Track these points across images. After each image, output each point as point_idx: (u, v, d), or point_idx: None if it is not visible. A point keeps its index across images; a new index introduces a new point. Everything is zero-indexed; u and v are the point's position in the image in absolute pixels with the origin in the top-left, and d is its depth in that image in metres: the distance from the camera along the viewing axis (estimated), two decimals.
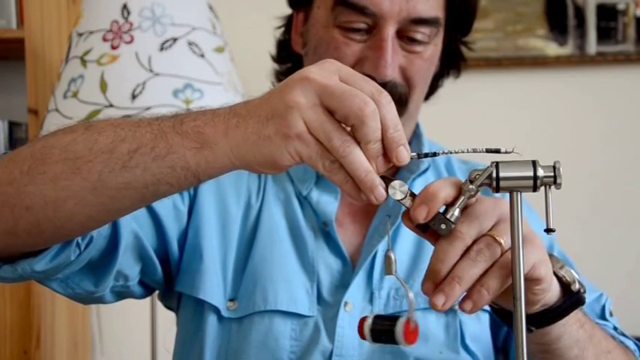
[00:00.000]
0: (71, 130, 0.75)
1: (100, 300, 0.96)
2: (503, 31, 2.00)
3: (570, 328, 0.80)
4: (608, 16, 1.98)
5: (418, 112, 1.08)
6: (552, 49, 2.00)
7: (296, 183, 1.05)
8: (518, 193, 0.69)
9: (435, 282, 0.70)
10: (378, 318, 0.71)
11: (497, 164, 0.69)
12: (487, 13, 1.98)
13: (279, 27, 1.14)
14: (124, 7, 1.52)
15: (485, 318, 1.02)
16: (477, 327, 1.01)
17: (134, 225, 0.93)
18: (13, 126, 1.92)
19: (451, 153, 0.73)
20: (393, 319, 0.71)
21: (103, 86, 1.49)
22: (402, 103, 0.99)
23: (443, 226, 0.70)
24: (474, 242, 0.70)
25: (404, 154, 0.67)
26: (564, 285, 0.78)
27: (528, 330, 0.78)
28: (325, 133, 0.66)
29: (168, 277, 1.02)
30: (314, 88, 0.66)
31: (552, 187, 0.70)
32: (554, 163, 0.70)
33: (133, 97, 1.48)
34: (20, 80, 1.87)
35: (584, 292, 0.79)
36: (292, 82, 0.67)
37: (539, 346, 0.81)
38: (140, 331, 1.95)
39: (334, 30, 0.99)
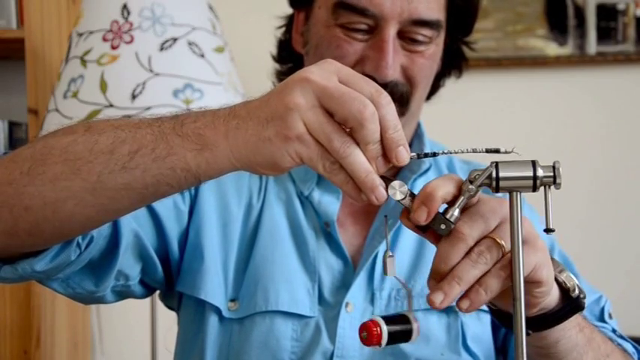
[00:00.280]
0: (71, 130, 0.75)
1: (101, 300, 0.96)
2: (503, 31, 2.00)
3: (569, 333, 0.80)
4: (608, 16, 1.98)
5: (420, 112, 1.07)
6: (552, 49, 2.00)
7: (297, 183, 1.05)
8: (518, 193, 0.69)
9: (437, 281, 0.70)
10: (386, 320, 0.72)
11: (496, 164, 0.69)
12: (487, 13, 1.98)
13: (280, 27, 1.14)
14: (124, 7, 1.52)
15: (486, 319, 1.02)
16: (479, 328, 1.01)
17: (134, 224, 0.93)
18: (13, 126, 1.92)
19: (451, 153, 0.73)
20: (401, 318, 0.71)
21: (103, 86, 1.49)
22: (403, 102, 0.99)
23: (443, 227, 0.70)
24: (476, 243, 0.70)
25: (403, 155, 0.67)
26: (564, 290, 0.77)
27: (526, 333, 0.78)
28: (325, 135, 0.66)
29: (169, 277, 1.02)
30: (313, 90, 0.66)
31: (552, 187, 0.70)
32: (554, 163, 0.70)
33: (133, 97, 1.48)
34: (20, 80, 1.88)
35: (584, 297, 0.79)
36: (292, 83, 0.67)
37: (537, 349, 0.81)
38: (140, 330, 1.95)
39: (335, 29, 0.99)
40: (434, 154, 0.73)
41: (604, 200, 2.00)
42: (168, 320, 1.12)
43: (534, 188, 0.69)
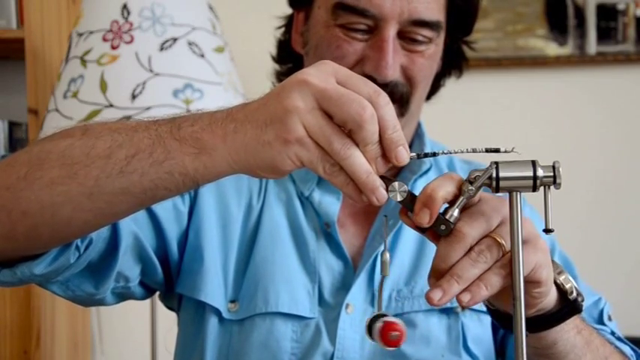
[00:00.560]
0: (68, 134, 0.74)
1: (101, 302, 0.95)
2: (503, 31, 2.00)
3: (567, 334, 0.80)
4: (608, 16, 1.98)
5: (420, 112, 1.07)
6: (552, 49, 2.00)
7: (298, 183, 1.04)
8: (518, 193, 0.69)
9: (437, 279, 0.70)
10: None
11: (497, 164, 0.69)
12: (487, 13, 1.98)
13: (280, 27, 1.14)
14: (124, 7, 1.52)
15: (487, 320, 1.02)
16: (479, 329, 1.01)
17: (134, 226, 0.93)
18: (13, 126, 1.92)
19: (451, 153, 0.73)
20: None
21: (103, 86, 1.49)
22: (403, 102, 0.99)
23: (442, 227, 0.70)
24: (477, 242, 0.70)
25: (403, 155, 0.67)
26: (562, 292, 0.77)
27: None
28: (325, 137, 0.66)
29: (169, 278, 1.02)
30: (312, 92, 0.66)
31: (552, 187, 0.70)
32: (554, 163, 0.70)
33: (133, 97, 1.48)
34: (20, 80, 1.88)
35: (582, 300, 0.79)
36: (289, 86, 0.67)
37: (534, 349, 0.81)
38: (140, 331, 1.95)
39: (335, 29, 0.98)
40: (434, 154, 0.73)
41: (604, 200, 2.00)
42: (168, 321, 1.12)
43: (534, 188, 0.69)
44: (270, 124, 0.66)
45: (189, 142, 0.69)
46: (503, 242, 0.70)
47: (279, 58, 1.15)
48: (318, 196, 1.03)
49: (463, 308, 1.00)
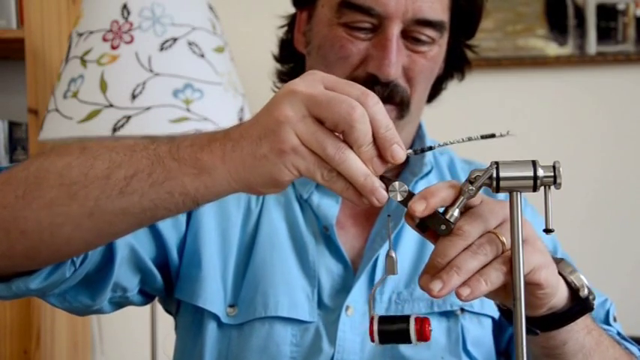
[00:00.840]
0: (66, 152, 0.74)
1: (99, 312, 0.96)
2: (503, 31, 2.00)
3: (577, 334, 0.80)
4: (608, 16, 1.98)
5: (420, 114, 1.07)
6: (552, 49, 2.00)
7: (297, 186, 1.04)
8: (518, 194, 0.69)
9: (432, 275, 0.70)
10: (384, 319, 0.72)
11: (497, 165, 0.69)
12: (487, 13, 1.96)
13: (282, 26, 1.14)
14: (124, 7, 1.52)
15: (487, 323, 1.02)
16: (479, 332, 1.01)
17: (130, 237, 0.92)
18: (13, 126, 1.92)
19: (447, 144, 0.72)
20: (402, 318, 0.72)
21: (103, 86, 1.49)
22: (403, 105, 0.99)
23: (442, 227, 0.70)
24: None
25: (399, 152, 0.67)
26: (573, 290, 0.78)
27: (534, 333, 0.78)
28: (318, 143, 0.66)
29: (169, 284, 1.01)
30: (301, 100, 0.66)
31: (552, 187, 0.70)
32: (554, 163, 0.70)
33: (133, 97, 1.48)
34: (20, 80, 1.87)
35: (594, 299, 0.79)
36: (279, 98, 0.67)
37: (543, 349, 0.81)
38: (140, 330, 1.95)
39: (338, 28, 0.98)
40: (430, 148, 0.73)
41: (604, 200, 2.00)
42: (168, 321, 1.12)
43: (534, 188, 0.69)
44: (264, 138, 0.66)
45: (188, 163, 0.69)
46: (504, 239, 0.70)
47: (281, 58, 1.15)
48: (317, 198, 1.02)
49: (462, 311, 1.00)
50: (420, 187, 1.05)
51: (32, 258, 0.76)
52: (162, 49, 1.50)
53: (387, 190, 0.68)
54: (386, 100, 0.96)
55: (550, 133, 2.00)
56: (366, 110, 0.66)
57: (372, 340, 0.72)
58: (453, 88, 1.15)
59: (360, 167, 0.66)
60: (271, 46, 1.16)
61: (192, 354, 1.01)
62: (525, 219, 0.72)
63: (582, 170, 1.98)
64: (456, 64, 1.11)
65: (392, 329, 0.72)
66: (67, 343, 1.92)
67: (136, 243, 0.93)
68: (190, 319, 1.01)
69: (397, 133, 0.68)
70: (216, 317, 0.98)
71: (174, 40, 1.51)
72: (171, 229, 0.98)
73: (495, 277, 0.70)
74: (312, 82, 0.67)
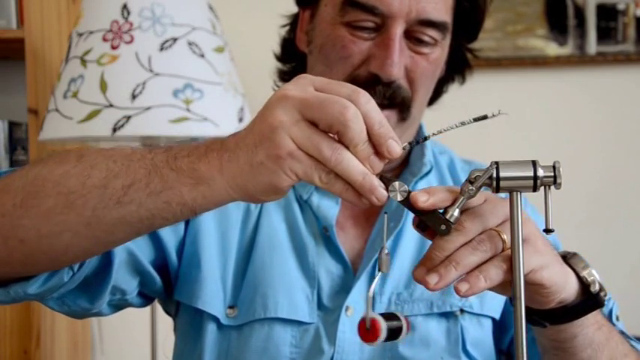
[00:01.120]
0: (63, 160, 0.74)
1: (98, 314, 0.96)
2: (503, 31, 2.00)
3: (587, 329, 0.80)
4: (608, 16, 1.98)
5: (421, 117, 1.07)
6: (552, 49, 2.00)
7: (297, 187, 1.03)
8: (519, 193, 0.69)
9: (428, 268, 0.70)
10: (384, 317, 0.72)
11: (497, 165, 0.69)
12: (487, 13, 1.97)
13: (284, 25, 1.13)
14: (124, 7, 1.52)
15: (487, 323, 1.02)
16: (479, 332, 1.01)
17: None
18: (13, 126, 1.92)
19: (440, 132, 0.72)
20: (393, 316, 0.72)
21: (103, 86, 1.49)
22: (404, 106, 0.99)
23: (442, 227, 0.70)
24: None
25: (395, 147, 0.67)
26: (585, 285, 0.78)
27: (542, 325, 0.78)
28: (314, 146, 0.66)
29: (169, 286, 1.01)
30: (293, 104, 0.66)
31: (552, 187, 0.70)
32: (554, 163, 0.70)
33: (133, 97, 1.48)
34: (20, 80, 1.87)
35: (605, 295, 0.79)
36: (271, 104, 0.67)
37: (553, 342, 0.81)
38: (140, 330, 1.95)
39: (341, 28, 0.98)
40: (426, 138, 0.73)
41: (604, 200, 2.00)
42: (168, 322, 1.12)
43: (535, 188, 0.69)
44: (259, 145, 0.66)
45: (186, 173, 0.69)
46: (505, 237, 0.70)
47: (282, 57, 1.14)
48: (316, 199, 1.02)
49: (462, 312, 1.00)
50: (420, 187, 1.05)
51: (30, 265, 0.76)
52: (162, 49, 1.50)
53: (387, 190, 0.68)
54: (388, 100, 0.96)
55: (550, 133, 2.00)
56: (359, 109, 0.66)
57: (366, 341, 0.72)
58: (452, 87, 1.15)
59: (357, 167, 0.66)
60: (272, 45, 1.16)
61: (191, 355, 1.01)
62: (529, 217, 0.72)
63: (582, 170, 1.98)
64: (458, 68, 1.11)
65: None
66: (67, 343, 1.92)
67: (134, 246, 0.93)
68: (190, 320, 1.01)
69: (396, 133, 0.68)
70: (215, 319, 0.98)
71: (174, 40, 1.51)
72: (169, 232, 0.98)
73: (495, 274, 0.70)
74: (302, 86, 0.67)
